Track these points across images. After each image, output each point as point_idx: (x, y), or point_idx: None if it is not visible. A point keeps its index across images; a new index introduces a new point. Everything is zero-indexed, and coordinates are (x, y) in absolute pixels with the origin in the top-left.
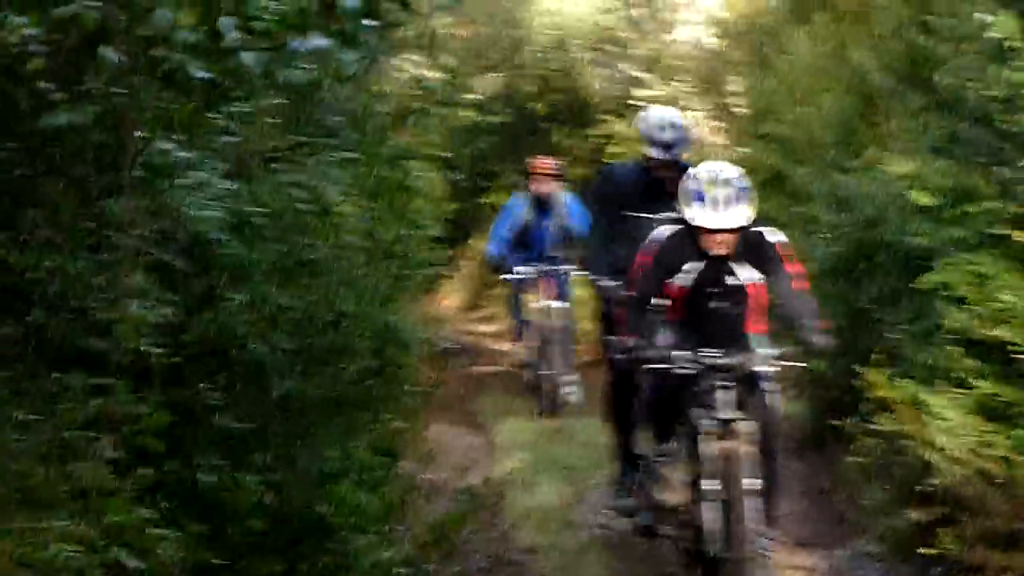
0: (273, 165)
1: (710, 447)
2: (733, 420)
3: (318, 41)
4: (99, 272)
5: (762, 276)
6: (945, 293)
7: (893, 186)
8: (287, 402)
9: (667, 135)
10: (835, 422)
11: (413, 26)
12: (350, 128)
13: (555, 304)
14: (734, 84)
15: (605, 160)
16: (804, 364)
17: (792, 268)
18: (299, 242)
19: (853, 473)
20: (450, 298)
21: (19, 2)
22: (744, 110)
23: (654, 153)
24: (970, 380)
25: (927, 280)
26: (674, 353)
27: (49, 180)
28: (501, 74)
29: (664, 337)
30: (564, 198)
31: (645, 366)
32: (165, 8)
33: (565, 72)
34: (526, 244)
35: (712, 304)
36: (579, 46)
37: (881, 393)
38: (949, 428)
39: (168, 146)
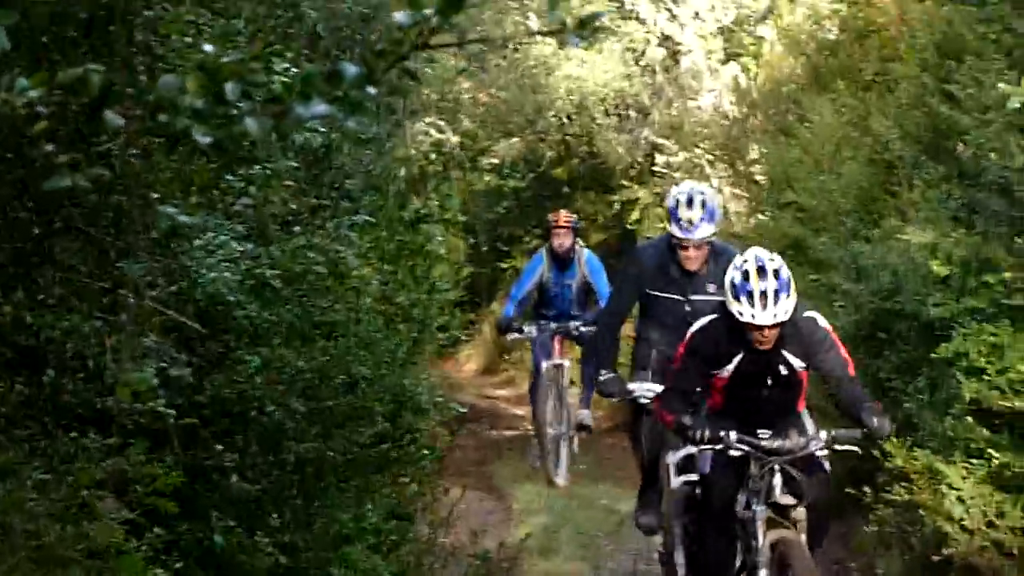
0: (291, 228)
1: (763, 535)
2: (788, 507)
3: (321, 108)
4: (114, 333)
5: (808, 361)
6: (962, 363)
7: (912, 256)
8: (302, 465)
9: (692, 213)
10: (852, 491)
11: (435, 91)
12: (369, 192)
13: (565, 362)
14: (755, 152)
15: (628, 225)
16: (859, 448)
17: (844, 352)
18: (316, 305)
19: (870, 543)
20: (468, 362)
21: (25, 64)
22: (764, 178)
23: (677, 231)
24: (986, 450)
25: (944, 350)
26: (730, 434)
27: (65, 240)
28: (522, 139)
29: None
30: (584, 254)
31: (699, 448)
32: (171, 74)
33: (586, 137)
34: (546, 303)
35: (763, 392)
36: (600, 112)
37: (898, 462)
38: (964, 498)
39: (181, 217)
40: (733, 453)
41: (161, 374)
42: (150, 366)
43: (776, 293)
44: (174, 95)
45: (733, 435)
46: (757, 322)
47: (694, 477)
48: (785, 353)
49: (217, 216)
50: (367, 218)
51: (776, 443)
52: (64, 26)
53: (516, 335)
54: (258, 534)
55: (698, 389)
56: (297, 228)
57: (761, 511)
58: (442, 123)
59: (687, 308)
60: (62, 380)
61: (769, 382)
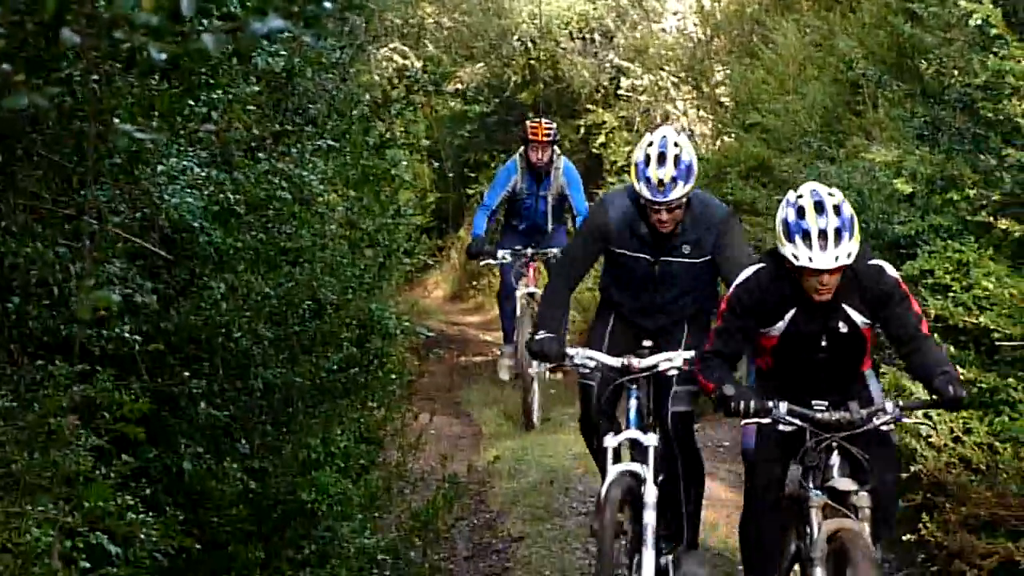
0: (256, 154)
1: (819, 525)
2: (849, 492)
3: (277, 23)
4: (78, 259)
5: (874, 318)
6: (928, 281)
7: (876, 175)
8: (270, 390)
9: (663, 171)
10: None
11: (398, 16)
12: (333, 117)
13: (532, 287)
14: (719, 74)
15: (594, 149)
16: (931, 419)
17: (916, 307)
18: (281, 231)
19: None
20: (436, 289)
21: None
22: (729, 100)
23: (646, 193)
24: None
25: (910, 268)
26: (779, 405)
27: (28, 168)
28: (486, 64)
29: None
30: (562, 163)
31: (744, 421)
32: None
33: (551, 61)
34: (517, 214)
35: (819, 355)
36: (565, 35)
37: None
38: (930, 415)
39: (139, 134)
40: (783, 428)
41: (127, 301)
42: (115, 292)
43: (838, 232)
44: (129, 12)
45: (783, 406)
46: (815, 266)
47: (635, 468)
48: (846, 308)
49: (180, 142)
50: (331, 143)
51: (834, 416)
52: None
53: (489, 260)
54: (227, 460)
55: (743, 352)
56: (261, 154)
57: (817, 496)
58: (406, 48)
59: (656, 270)
60: (27, 307)
61: (826, 343)
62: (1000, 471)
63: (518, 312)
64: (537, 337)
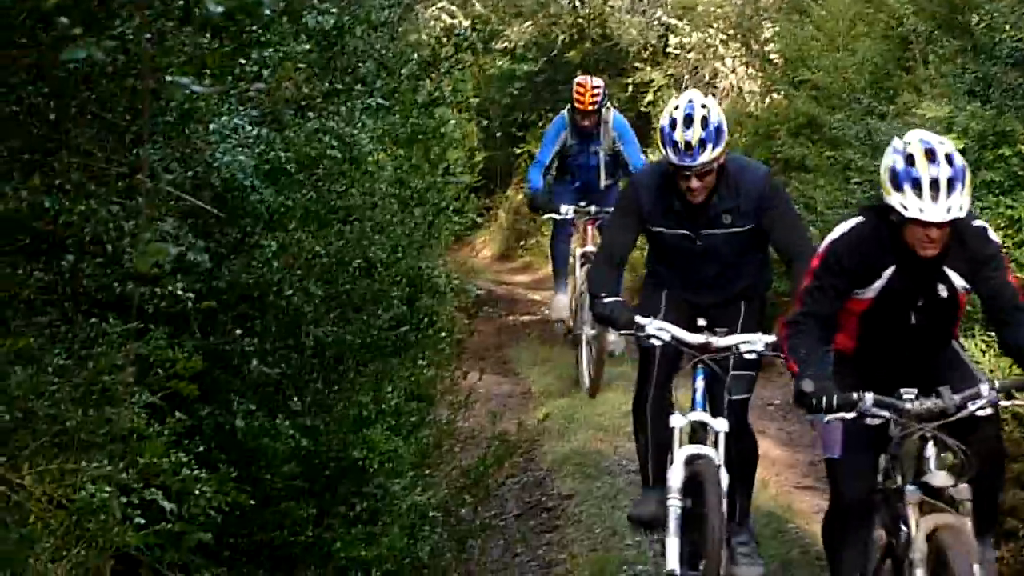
0: (305, 113)
1: (918, 523)
2: (947, 487)
3: None
4: (131, 217)
5: (972, 283)
6: None
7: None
8: (321, 349)
9: (690, 134)
10: None
11: None
12: (382, 76)
13: (589, 247)
14: (768, 31)
15: (642, 108)
16: None
17: (1013, 278)
18: (332, 189)
19: None
20: (485, 248)
21: None
22: (779, 57)
23: (673, 158)
24: None
25: None
26: (865, 397)
27: (81, 125)
28: (534, 22)
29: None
30: (612, 117)
31: (827, 417)
32: None
33: (599, 19)
34: (570, 171)
35: (912, 321)
36: None
37: None
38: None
39: (195, 87)
40: (870, 422)
41: (179, 259)
42: (168, 250)
43: (950, 182)
44: None
45: (869, 397)
46: (926, 218)
47: (706, 452)
48: (946, 269)
49: (231, 101)
50: (380, 102)
51: (925, 404)
52: None
53: (552, 215)
54: (279, 417)
55: (835, 316)
56: (311, 113)
57: (912, 492)
58: (454, 7)
59: (699, 245)
60: (81, 265)
61: (922, 304)
62: None
63: (577, 272)
64: (605, 300)
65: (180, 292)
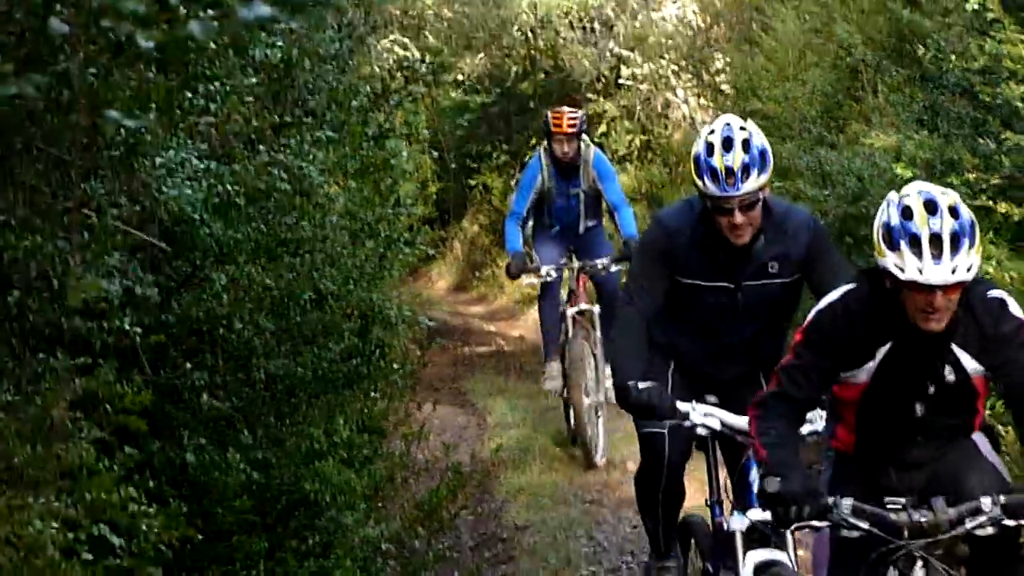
0: (255, 147)
1: None
2: None
3: (263, 10)
4: (78, 252)
5: (988, 366)
6: None
7: (876, 160)
8: (272, 381)
9: (731, 158)
10: None
11: (398, 7)
12: (332, 108)
13: (595, 308)
14: (719, 62)
15: (595, 140)
16: None
17: None
18: (282, 222)
19: None
20: (440, 279)
21: None
22: (730, 87)
23: (712, 188)
24: None
25: None
26: (843, 504)
27: (27, 161)
28: (487, 55)
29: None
30: (592, 155)
31: (806, 525)
32: None
33: (551, 51)
34: (550, 214)
35: (918, 413)
36: (565, 25)
37: None
38: None
39: (127, 121)
40: (846, 534)
41: (128, 293)
42: (116, 284)
43: (955, 237)
44: (116, 0)
45: (846, 504)
46: (926, 280)
47: (779, 557)
48: (955, 348)
49: (179, 135)
50: (330, 134)
51: (914, 517)
52: None
53: (532, 279)
54: (230, 451)
55: (819, 399)
56: (261, 146)
57: None
58: (406, 40)
59: (740, 299)
60: (28, 301)
61: (931, 391)
62: None
63: (569, 333)
64: (640, 387)
65: (128, 327)
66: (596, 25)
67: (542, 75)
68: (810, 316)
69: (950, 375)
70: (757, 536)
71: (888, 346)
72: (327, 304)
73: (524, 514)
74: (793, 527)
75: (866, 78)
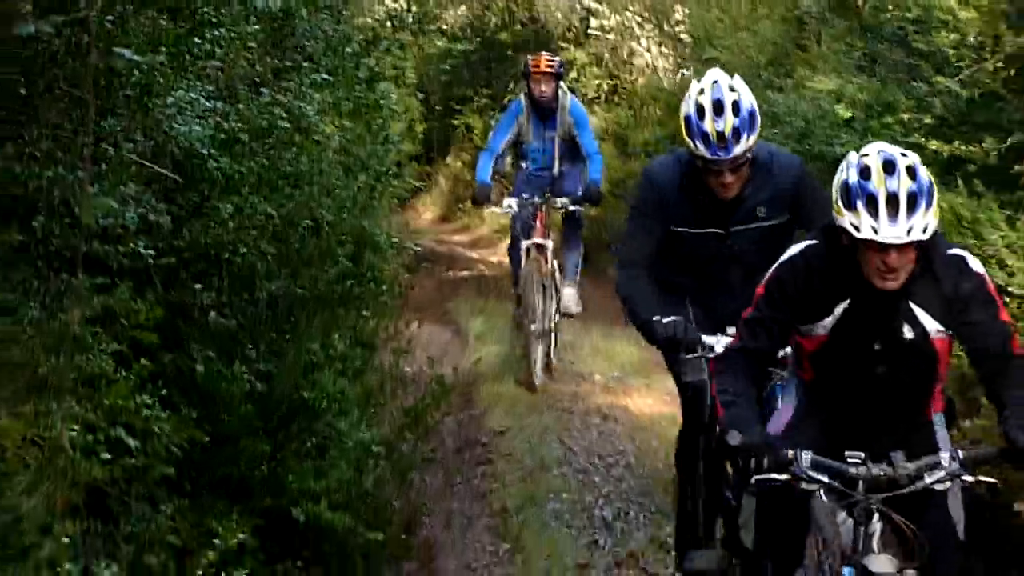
0: (258, 88)
1: None
2: (890, 574)
3: None
4: (96, 181)
5: (949, 325)
6: None
7: (820, 102)
8: (274, 301)
9: (723, 123)
10: None
11: None
12: (328, 54)
13: (544, 244)
14: (679, 13)
15: (567, 84)
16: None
17: (1006, 315)
18: (282, 157)
19: None
20: (426, 211)
21: None
22: (688, 37)
23: (703, 151)
24: None
25: None
26: (803, 456)
27: (50, 100)
28: (468, 6)
29: (782, 421)
30: (568, 101)
31: (755, 475)
32: None
33: (528, 4)
34: (526, 157)
35: (876, 370)
36: None
37: None
38: None
39: (139, 58)
40: (806, 486)
41: (142, 220)
42: (131, 212)
43: (912, 198)
44: None
45: (806, 456)
46: (881, 238)
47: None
48: (914, 306)
49: (188, 77)
50: (326, 77)
51: (872, 471)
52: None
53: (494, 208)
54: (235, 363)
55: (780, 354)
56: (263, 88)
57: None
58: None
59: (729, 244)
60: (51, 226)
61: (880, 347)
62: None
63: (522, 264)
64: (664, 322)
65: (142, 251)
66: None
67: (519, 25)
68: (771, 270)
69: (908, 333)
70: None
71: (846, 303)
72: (323, 231)
73: (502, 421)
74: (754, 479)
75: (811, 29)
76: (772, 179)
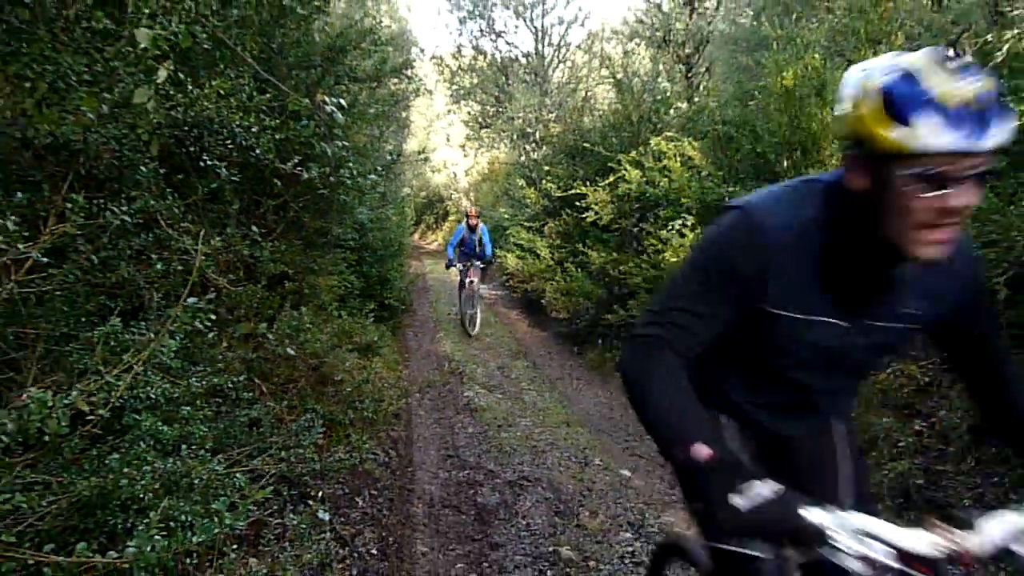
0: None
1: None
2: None
3: None
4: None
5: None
6: None
7: None
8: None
9: (976, 83)
10: None
11: None
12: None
13: (474, 279)
14: None
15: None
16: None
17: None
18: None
19: None
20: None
21: None
22: None
23: (943, 138)
24: None
25: None
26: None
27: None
28: None
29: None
30: (481, 227)
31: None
32: None
33: None
34: (464, 245)
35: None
36: None
37: None
38: None
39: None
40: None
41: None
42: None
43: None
44: None
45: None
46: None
47: None
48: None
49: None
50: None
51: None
52: None
53: (454, 267)
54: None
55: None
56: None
57: None
58: None
59: (853, 343)
60: None
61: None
62: None
63: (463, 293)
64: (755, 489)
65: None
66: None
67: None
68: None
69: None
70: None
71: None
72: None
73: (453, 347)
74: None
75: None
76: (950, 265)
